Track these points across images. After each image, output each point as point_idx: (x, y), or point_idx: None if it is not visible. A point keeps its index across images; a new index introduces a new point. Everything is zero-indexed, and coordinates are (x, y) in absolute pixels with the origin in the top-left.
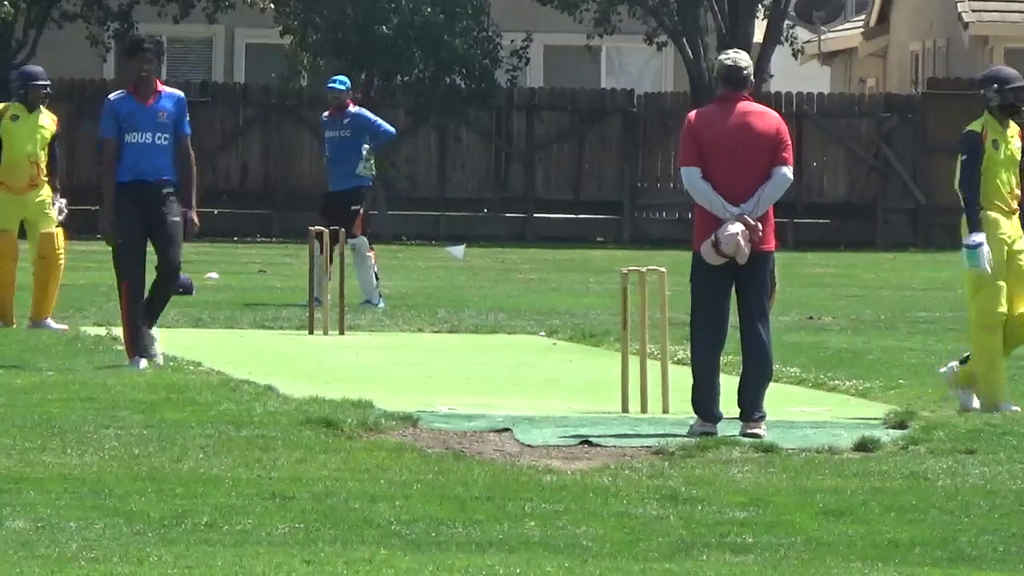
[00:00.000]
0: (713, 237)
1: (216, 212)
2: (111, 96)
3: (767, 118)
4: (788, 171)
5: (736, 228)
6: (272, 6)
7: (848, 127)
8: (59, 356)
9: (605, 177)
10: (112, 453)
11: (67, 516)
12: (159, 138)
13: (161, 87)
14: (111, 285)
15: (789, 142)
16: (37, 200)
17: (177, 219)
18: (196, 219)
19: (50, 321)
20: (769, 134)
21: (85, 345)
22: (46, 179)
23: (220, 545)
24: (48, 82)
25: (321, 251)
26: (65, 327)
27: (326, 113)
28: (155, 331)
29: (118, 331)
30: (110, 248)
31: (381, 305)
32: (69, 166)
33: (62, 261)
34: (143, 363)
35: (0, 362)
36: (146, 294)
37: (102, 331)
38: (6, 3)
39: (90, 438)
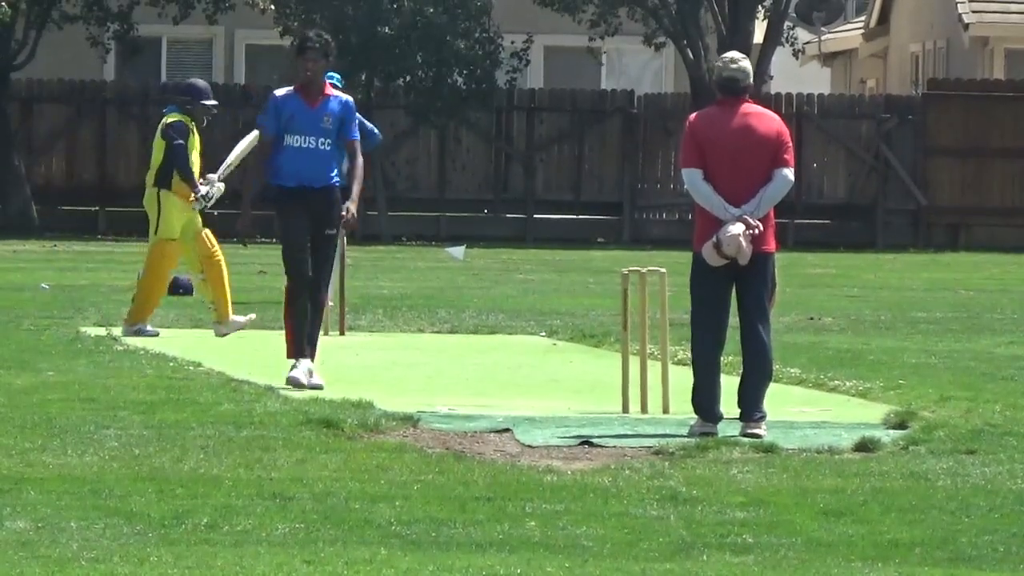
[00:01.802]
0: (714, 238)
1: (216, 213)
2: (277, 92)
3: (768, 120)
4: (789, 173)
5: (737, 229)
6: (272, 7)
7: (848, 128)
8: (59, 356)
9: (605, 178)
10: (112, 453)
11: (67, 516)
12: (322, 143)
13: (329, 90)
14: (111, 286)
15: (790, 144)
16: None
17: (334, 232)
18: (355, 211)
19: (236, 317)
20: (770, 136)
21: (85, 345)
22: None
23: (220, 545)
24: (216, 102)
25: None
26: (246, 319)
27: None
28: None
29: (118, 331)
30: (280, 249)
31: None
32: (69, 167)
33: (220, 256)
34: (302, 366)
35: (0, 362)
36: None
37: (102, 331)
38: (3, 4)
39: (90, 438)
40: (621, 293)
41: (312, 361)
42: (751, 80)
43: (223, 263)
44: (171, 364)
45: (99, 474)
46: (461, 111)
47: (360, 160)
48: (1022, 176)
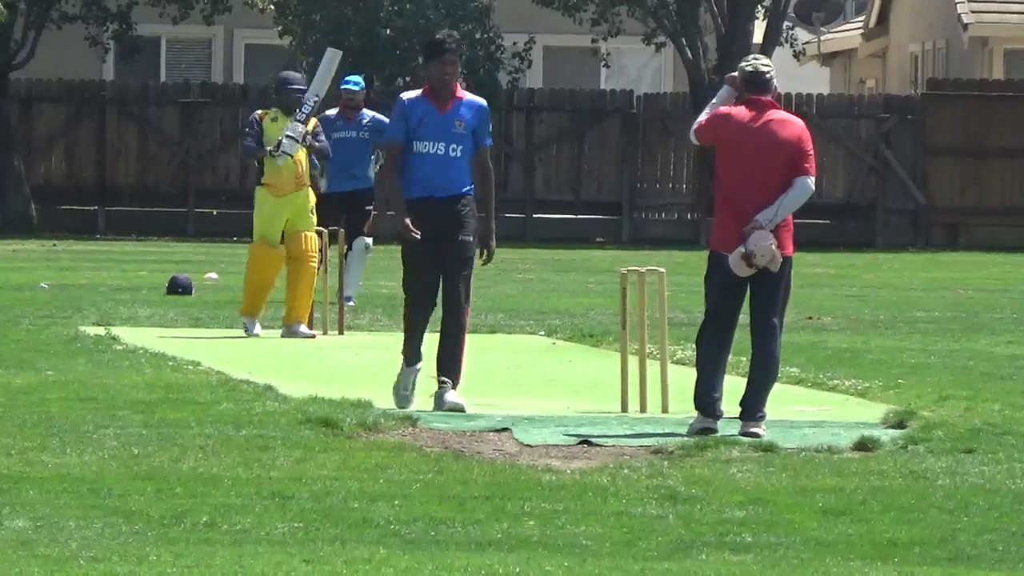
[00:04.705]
0: (743, 249)
1: (216, 212)
2: (404, 96)
3: (790, 126)
4: (810, 181)
5: (767, 239)
6: (272, 7)
7: (848, 128)
8: (59, 356)
9: (604, 178)
10: (111, 453)
11: (66, 515)
12: (452, 149)
13: (461, 93)
14: (111, 286)
15: (811, 152)
16: (299, 201)
17: (469, 238)
18: (494, 246)
19: (303, 327)
20: (790, 142)
21: (85, 345)
22: (308, 183)
23: (219, 544)
24: (304, 87)
25: (345, 250)
26: (315, 333)
27: (331, 112)
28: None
29: (117, 331)
30: (402, 265)
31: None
32: (68, 167)
33: (313, 263)
34: (408, 379)
35: (0, 362)
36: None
37: (101, 331)
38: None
39: (89, 438)
40: (620, 293)
41: (455, 386)
42: (775, 76)
43: (313, 270)
44: (170, 364)
45: (98, 473)
46: None
47: (491, 175)
48: (1021, 176)
